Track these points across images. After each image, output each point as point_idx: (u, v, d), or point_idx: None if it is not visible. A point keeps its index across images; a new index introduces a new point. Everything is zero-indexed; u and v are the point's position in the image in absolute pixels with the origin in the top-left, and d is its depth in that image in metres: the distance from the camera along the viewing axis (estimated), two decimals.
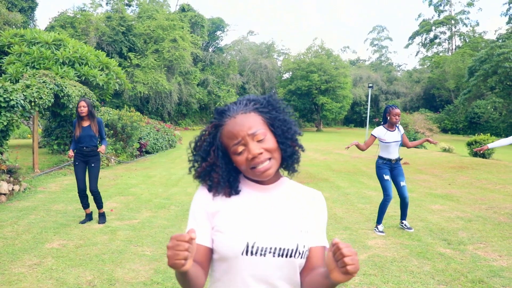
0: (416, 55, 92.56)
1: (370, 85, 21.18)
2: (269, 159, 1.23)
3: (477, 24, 75.82)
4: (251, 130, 1.23)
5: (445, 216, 6.42)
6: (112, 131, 13.52)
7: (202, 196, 1.33)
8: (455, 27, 74.21)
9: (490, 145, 6.01)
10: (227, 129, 1.26)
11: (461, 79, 48.81)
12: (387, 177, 5.47)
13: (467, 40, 70.13)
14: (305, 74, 47.66)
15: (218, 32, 55.00)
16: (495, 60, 36.74)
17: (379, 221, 5.59)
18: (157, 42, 42.19)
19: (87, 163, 5.76)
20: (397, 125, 5.62)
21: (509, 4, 65.82)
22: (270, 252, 1.22)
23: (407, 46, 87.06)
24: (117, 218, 6.14)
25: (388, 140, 5.49)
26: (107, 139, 13.74)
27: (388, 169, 5.53)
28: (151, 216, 6.33)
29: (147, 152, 16.38)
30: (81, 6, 46.61)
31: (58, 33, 15.91)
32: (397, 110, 5.52)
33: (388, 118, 5.56)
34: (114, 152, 13.40)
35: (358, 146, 5.46)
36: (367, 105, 24.26)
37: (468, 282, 3.82)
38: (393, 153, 5.55)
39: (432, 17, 76.86)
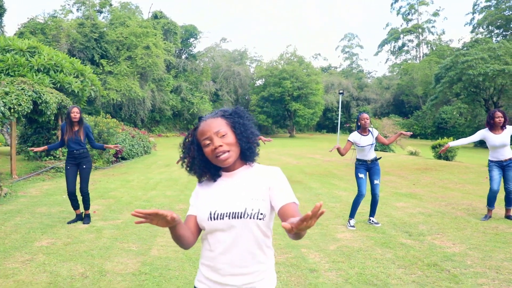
0: (386, 62, 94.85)
1: (341, 91, 21.90)
2: (228, 151, 1.68)
3: (443, 33, 78.58)
4: (215, 129, 1.69)
5: (408, 212, 6.96)
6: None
7: (196, 188, 1.80)
8: (422, 36, 76.62)
9: (451, 143, 6.58)
10: (200, 129, 1.73)
11: (428, 85, 50.43)
12: (361, 175, 5.96)
13: (434, 48, 72.49)
14: (277, 81, 48.37)
15: (191, 39, 55.23)
16: (459, 67, 38.21)
17: (351, 215, 6.06)
18: (130, 49, 42.12)
19: (78, 166, 6.05)
20: (370, 129, 6.11)
21: (472, 14, 68.41)
22: (226, 216, 1.65)
23: (376, 54, 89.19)
24: (100, 219, 6.42)
25: (363, 144, 5.98)
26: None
27: (365, 169, 6.02)
28: (133, 217, 6.64)
29: (123, 158, 16.54)
30: (51, 13, 45.95)
31: (32, 41, 15.92)
32: (365, 115, 6.03)
33: (359, 123, 6.06)
34: (92, 157, 13.53)
35: (339, 150, 5.92)
36: (339, 111, 24.94)
37: (424, 266, 4.31)
38: (368, 155, 6.03)
39: (401, 25, 79.07)
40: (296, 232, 1.37)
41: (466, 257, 4.56)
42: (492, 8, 59.64)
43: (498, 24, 59.47)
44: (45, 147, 6.29)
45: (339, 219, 6.53)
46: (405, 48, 79.01)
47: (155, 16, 49.64)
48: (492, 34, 61.49)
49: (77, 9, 49.63)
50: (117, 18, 45.97)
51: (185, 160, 1.79)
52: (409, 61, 74.96)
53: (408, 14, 76.77)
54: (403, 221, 6.28)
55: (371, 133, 6.03)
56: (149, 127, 45.71)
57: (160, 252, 4.82)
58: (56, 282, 3.90)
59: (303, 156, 18.85)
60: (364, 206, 6.89)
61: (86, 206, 6.18)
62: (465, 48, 47.54)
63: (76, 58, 31.32)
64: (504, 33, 60.61)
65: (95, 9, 49.87)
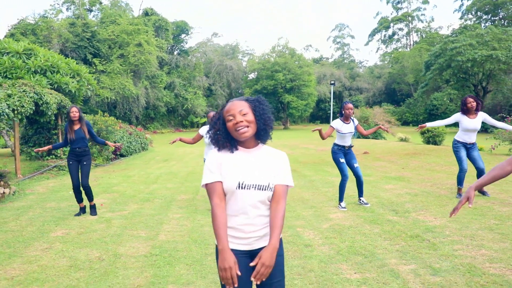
0: (377, 51, 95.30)
1: (332, 82, 22.35)
2: (247, 126, 2.07)
3: (432, 20, 78.90)
4: (239, 109, 2.09)
5: (395, 193, 7.44)
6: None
7: (214, 155, 2.15)
8: (411, 24, 77.06)
9: (428, 124, 7.06)
10: (226, 108, 2.13)
11: (419, 73, 50.86)
12: (342, 160, 6.42)
13: (424, 36, 72.98)
14: (270, 73, 48.66)
15: (183, 35, 55.39)
16: (448, 54, 38.65)
17: (341, 198, 6.53)
18: (122, 47, 42.28)
19: (79, 162, 6.46)
20: (352, 118, 6.56)
21: (461, 0, 68.87)
22: (253, 187, 2.06)
23: (367, 44, 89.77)
24: (108, 211, 6.84)
25: (344, 131, 6.42)
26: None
27: (342, 153, 6.48)
28: (139, 208, 7.06)
29: (122, 155, 16.91)
30: (42, 13, 45.93)
31: (28, 43, 16.21)
32: (350, 105, 6.47)
33: (343, 112, 6.50)
34: (92, 155, 13.91)
35: (320, 132, 6.36)
36: (331, 101, 25.38)
37: (407, 237, 4.78)
38: (347, 141, 6.49)
39: (391, 14, 79.35)
40: None
41: (445, 229, 5.03)
42: None
43: (486, 9, 59.95)
44: (50, 146, 6.68)
45: (331, 201, 6.99)
46: (396, 36, 79.46)
47: (146, 13, 49.72)
48: (481, 20, 62.03)
49: (67, 8, 49.63)
50: (108, 17, 45.99)
51: (210, 132, 2.18)
52: (400, 50, 75.39)
53: (398, 2, 77.12)
54: (391, 201, 6.75)
55: (353, 122, 6.47)
56: (144, 124, 45.93)
57: (167, 237, 5.25)
58: (76, 265, 4.33)
59: (297, 146, 19.31)
60: (355, 189, 7.34)
61: (90, 198, 6.60)
62: (454, 34, 48.02)
63: (69, 58, 31.66)
64: (492, 18, 61.16)
65: (85, 7, 49.90)
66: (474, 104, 6.61)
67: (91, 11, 51.54)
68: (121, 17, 45.46)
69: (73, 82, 15.31)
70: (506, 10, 57.17)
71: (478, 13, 61.75)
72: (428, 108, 51.32)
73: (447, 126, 11.76)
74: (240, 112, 2.08)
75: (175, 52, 54.59)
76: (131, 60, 40.77)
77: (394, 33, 79.69)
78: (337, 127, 6.46)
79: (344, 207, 6.43)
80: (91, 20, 46.57)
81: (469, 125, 6.67)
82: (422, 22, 76.82)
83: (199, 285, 3.72)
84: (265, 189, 2.07)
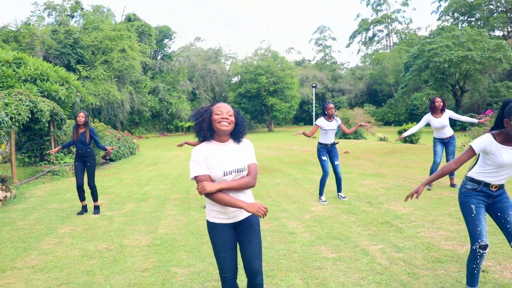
0: (358, 53, 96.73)
1: (314, 85, 23.14)
2: (229, 123, 2.68)
3: (411, 22, 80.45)
4: (227, 110, 2.70)
5: (371, 187, 8.15)
6: (72, 136, 14.48)
7: (199, 150, 2.73)
8: (391, 25, 78.62)
9: (404, 134, 7.82)
10: (217, 105, 2.73)
11: (399, 74, 52.03)
12: (324, 157, 7.10)
13: (403, 37, 74.54)
14: (253, 77, 49.30)
15: (166, 40, 55.75)
16: (426, 55, 39.80)
17: (321, 193, 7.20)
18: (105, 53, 42.50)
19: (84, 163, 7.03)
20: (335, 117, 7.24)
21: (438, 2, 70.48)
22: (234, 171, 2.68)
23: (348, 45, 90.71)
24: (107, 210, 7.40)
25: (327, 128, 7.10)
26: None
27: (326, 151, 7.16)
28: (136, 207, 7.63)
29: (111, 160, 17.37)
30: (24, 20, 45.84)
31: (17, 52, 16.58)
32: (331, 105, 7.15)
33: (326, 112, 7.17)
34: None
35: (305, 134, 7.03)
36: (313, 104, 26.14)
37: (378, 224, 5.46)
38: (329, 139, 7.17)
39: (371, 16, 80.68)
40: None
41: (411, 216, 5.74)
42: None
43: (463, 11, 61.61)
44: (59, 147, 7.28)
45: (313, 197, 7.66)
46: (376, 38, 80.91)
47: (129, 19, 49.94)
48: (458, 21, 63.71)
49: (48, 15, 49.64)
50: (91, 23, 46.13)
51: (197, 120, 2.76)
52: (380, 51, 76.80)
53: (378, 5, 78.57)
54: (367, 194, 7.45)
55: (336, 120, 7.15)
56: (129, 129, 46.13)
57: (166, 230, 5.85)
58: (88, 255, 4.89)
59: (282, 148, 19.99)
60: (335, 185, 8.00)
61: (95, 198, 7.16)
62: (432, 36, 49.36)
63: (52, 64, 31.83)
64: (468, 19, 62.88)
65: (66, 13, 49.95)
66: (441, 103, 7.38)
67: (72, 17, 51.57)
68: (103, 23, 45.66)
69: (62, 90, 15.75)
70: (481, 12, 58.80)
71: (455, 14, 63.39)
72: (409, 108, 52.50)
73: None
74: (227, 113, 2.69)
75: (159, 57, 54.93)
76: (115, 65, 41.01)
77: (374, 35, 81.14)
78: (320, 125, 7.12)
79: (325, 201, 7.10)
80: (74, 26, 46.68)
81: (437, 124, 7.42)
82: (401, 23, 78.44)
83: (199, 266, 4.33)
84: (242, 171, 2.71)
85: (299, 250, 4.64)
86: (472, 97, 45.04)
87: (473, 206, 3.09)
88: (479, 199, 3.10)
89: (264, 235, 5.25)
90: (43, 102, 12.19)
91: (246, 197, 2.75)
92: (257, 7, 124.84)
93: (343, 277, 3.84)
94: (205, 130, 2.70)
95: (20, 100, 10.45)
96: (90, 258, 4.76)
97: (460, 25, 61.46)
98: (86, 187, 7.18)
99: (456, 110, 40.28)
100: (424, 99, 49.11)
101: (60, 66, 34.34)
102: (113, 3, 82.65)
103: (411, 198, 3.05)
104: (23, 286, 4.02)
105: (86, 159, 7.04)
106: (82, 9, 51.42)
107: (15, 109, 9.85)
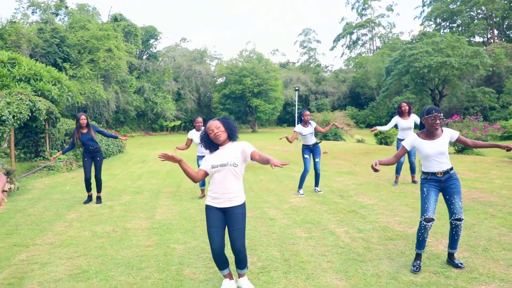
0: (341, 56, 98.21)
1: (296, 88, 24.12)
2: (220, 134, 3.58)
3: (394, 26, 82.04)
4: (214, 125, 3.61)
5: (344, 183, 9.10)
6: (71, 139, 15.15)
7: (206, 157, 3.66)
8: (374, 30, 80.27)
9: (377, 127, 8.82)
10: (207, 127, 3.66)
11: (381, 78, 53.41)
12: (307, 156, 8.06)
13: (386, 41, 76.23)
14: (238, 78, 50.06)
15: (152, 40, 56.21)
16: (407, 60, 41.10)
17: (300, 186, 8.12)
18: (91, 52, 42.85)
19: (93, 158, 7.83)
20: (310, 122, 8.17)
21: (422, 7, 72.23)
22: (222, 166, 3.56)
23: (332, 49, 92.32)
24: (107, 200, 8.19)
25: (305, 133, 8.03)
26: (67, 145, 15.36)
27: (309, 151, 8.10)
28: (132, 198, 8.44)
29: None
30: (9, 18, 45.88)
31: (11, 52, 17.14)
32: (306, 112, 8.08)
33: (302, 118, 8.10)
34: (75, 157, 15.07)
35: (287, 138, 7.95)
36: (296, 106, 27.14)
37: (346, 212, 6.40)
38: (310, 141, 8.11)
39: (356, 20, 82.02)
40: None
41: (375, 206, 6.69)
42: (439, 2, 63.56)
43: (445, 17, 63.45)
44: (60, 152, 8.01)
45: (292, 191, 8.57)
46: (360, 42, 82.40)
47: (115, 19, 50.25)
48: (440, 26, 65.54)
49: (32, 12, 49.74)
50: (77, 22, 46.37)
51: (203, 143, 3.70)
52: (363, 55, 78.27)
53: (363, 9, 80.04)
54: (339, 189, 8.40)
55: (311, 125, 8.08)
56: (114, 128, 46.47)
57: (162, 217, 6.68)
58: (97, 235, 5.71)
59: (265, 148, 20.89)
60: (313, 181, 8.91)
61: (99, 189, 7.98)
62: (414, 40, 50.88)
63: (38, 62, 32.18)
64: (450, 25, 64.77)
65: (51, 11, 50.08)
66: (407, 107, 8.40)
67: (57, 15, 51.70)
68: (90, 23, 46.00)
69: (55, 89, 16.39)
70: (462, 18, 60.60)
71: (437, 20, 65.17)
72: (390, 111, 53.88)
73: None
74: (216, 127, 3.61)
75: (144, 57, 55.38)
76: (101, 65, 41.39)
77: (358, 39, 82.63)
78: (299, 131, 8.06)
79: (302, 194, 8.02)
80: (59, 24, 46.89)
81: (404, 125, 8.42)
82: (384, 28, 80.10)
83: (193, 243, 5.18)
84: (225, 165, 3.56)
85: (277, 232, 5.54)
86: (450, 102, 46.56)
87: (425, 189, 4.02)
88: (431, 184, 4.01)
89: (248, 220, 6.12)
90: (40, 101, 12.87)
91: (236, 188, 3.63)
92: (243, 8, 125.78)
93: (312, 250, 4.75)
94: (211, 146, 3.71)
95: (20, 99, 11.14)
96: (100, 238, 5.58)
97: (442, 31, 63.23)
98: (91, 180, 7.97)
99: None
100: None
101: (46, 65, 34.70)
102: (98, 3, 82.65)
103: (376, 169, 3.96)
104: (47, 257, 4.83)
105: (96, 154, 7.88)
106: (66, 7, 51.59)
107: (16, 108, 10.55)
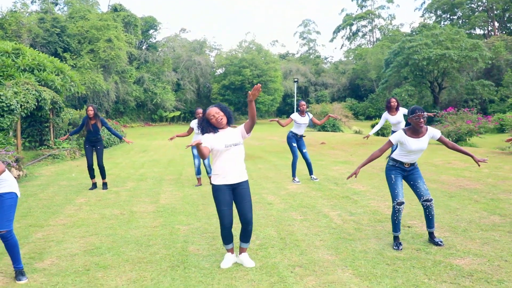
0: (341, 48, 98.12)
1: (295, 80, 24.49)
2: (222, 118, 3.96)
3: (394, 18, 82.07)
4: (214, 111, 3.98)
5: (340, 172, 9.50)
6: (75, 129, 15.53)
7: (206, 136, 3.99)
8: (374, 21, 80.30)
9: (370, 133, 9.26)
10: (207, 113, 4.02)
11: (380, 69, 53.60)
12: (294, 144, 8.47)
13: (385, 33, 76.30)
14: (237, 69, 50.29)
15: (151, 31, 56.34)
16: (406, 52, 41.29)
17: (293, 174, 8.53)
18: (91, 42, 43.02)
19: (94, 147, 8.20)
20: (307, 112, 8.54)
21: None
22: (232, 145, 3.95)
23: (332, 40, 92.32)
24: (113, 187, 8.59)
25: (300, 122, 8.41)
26: (73, 136, 15.75)
27: (295, 140, 8.47)
28: (136, 185, 8.83)
29: (103, 146, 18.38)
30: (10, 8, 45.98)
31: (15, 43, 17.45)
32: (302, 102, 8.47)
33: (299, 108, 8.48)
34: (78, 146, 15.44)
35: (279, 122, 8.31)
36: (294, 98, 27.49)
37: (340, 198, 6.79)
38: (301, 131, 8.49)
39: (356, 11, 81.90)
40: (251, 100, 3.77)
41: (367, 192, 7.10)
42: None
43: (445, 8, 63.51)
44: (67, 135, 8.43)
45: (290, 179, 8.96)
46: (360, 33, 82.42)
47: (115, 9, 50.31)
48: (440, 18, 65.62)
49: (31, 1, 49.84)
50: (77, 12, 46.46)
51: (201, 127, 4.04)
52: (363, 46, 78.34)
53: (363, 0, 79.95)
54: (335, 177, 8.80)
55: (307, 115, 8.46)
56: (114, 119, 46.71)
57: (166, 201, 7.08)
58: (106, 217, 6.10)
59: (264, 138, 21.29)
60: (307, 170, 9.29)
61: (103, 176, 8.37)
62: (414, 33, 51.02)
63: (42, 53, 32.40)
64: (451, 17, 64.84)
65: (50, 0, 50.12)
66: (396, 103, 8.78)
67: (56, 4, 51.76)
68: (90, 13, 46.09)
69: (58, 80, 16.72)
70: (463, 10, 60.66)
71: (438, 12, 65.21)
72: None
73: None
74: (217, 113, 3.97)
75: (144, 47, 55.50)
76: (101, 55, 41.54)
77: (358, 30, 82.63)
78: (294, 118, 8.44)
79: (298, 181, 8.41)
80: (59, 14, 46.98)
81: (393, 120, 8.81)
82: (384, 19, 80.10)
83: (196, 225, 5.58)
84: (238, 144, 3.96)
85: (275, 214, 5.94)
86: (450, 94, 46.80)
87: (392, 176, 4.42)
88: (397, 171, 4.42)
89: None
90: (45, 91, 13.21)
91: (242, 166, 4.01)
92: None
93: (306, 230, 5.15)
94: (210, 129, 4.00)
95: (27, 89, 11.49)
96: (109, 219, 5.97)
97: (442, 23, 63.25)
98: (94, 167, 8.35)
99: (434, 106, 42.01)
100: (403, 95, 50.89)
101: (47, 54, 34.94)
102: None
103: (354, 177, 4.37)
104: (61, 236, 5.22)
105: (96, 144, 8.25)
106: None
107: (23, 97, 10.90)
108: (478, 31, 61.14)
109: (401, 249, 4.33)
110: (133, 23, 50.08)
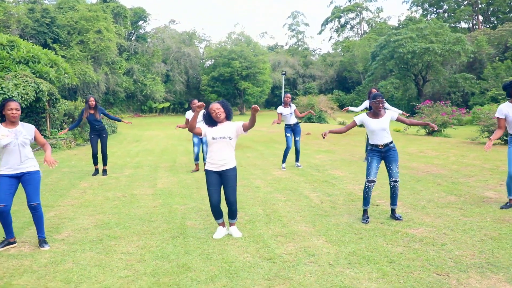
0: (329, 40, 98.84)
1: (283, 72, 25.16)
2: (221, 113, 4.67)
3: (381, 11, 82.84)
4: (216, 107, 4.68)
5: (322, 160, 10.28)
6: (70, 119, 16.10)
7: (206, 127, 4.71)
8: (361, 14, 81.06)
9: (349, 108, 9.96)
10: (209, 108, 4.72)
11: (367, 62, 54.48)
12: (288, 134, 9.21)
13: (373, 26, 77.15)
14: (227, 61, 50.79)
15: (141, 22, 56.49)
16: (391, 46, 42.08)
17: (283, 161, 9.29)
18: (81, 33, 43.19)
19: (99, 136, 8.86)
20: (290, 104, 9.27)
21: None
22: (220, 138, 4.66)
23: (320, 32, 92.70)
24: (112, 173, 9.26)
25: (285, 113, 9.14)
26: (68, 126, 16.31)
27: (290, 130, 9.23)
28: (134, 171, 9.51)
29: None
30: None
31: (9, 35, 17.86)
32: (287, 95, 9.20)
33: (283, 100, 9.21)
34: (73, 136, 16.02)
35: (276, 122, 9.04)
36: (282, 90, 28.21)
37: (320, 182, 7.57)
38: (291, 121, 9.23)
39: (345, 3, 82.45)
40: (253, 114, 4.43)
41: (344, 177, 7.89)
42: None
43: (432, 2, 64.44)
44: (67, 129, 9.03)
45: (275, 166, 9.72)
46: (348, 26, 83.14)
47: (104, 0, 50.42)
48: (427, 11, 66.56)
49: None
50: (65, 2, 46.46)
51: (204, 120, 4.74)
52: (351, 39, 79.13)
53: None
54: (317, 164, 9.57)
55: (291, 106, 9.20)
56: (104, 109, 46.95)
57: (163, 186, 7.78)
58: (109, 199, 6.79)
59: (253, 129, 21.97)
60: (293, 158, 10.05)
61: (105, 163, 9.05)
62: (401, 26, 51.90)
63: (29, 42, 32.60)
64: (437, 10, 65.85)
65: None
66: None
67: None
68: (79, 3, 46.14)
69: (52, 72, 17.21)
70: (449, 3, 61.66)
71: (424, 5, 66.10)
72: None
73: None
74: (217, 109, 4.66)
75: (133, 38, 55.67)
76: (91, 46, 41.74)
77: (346, 23, 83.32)
78: (280, 111, 9.19)
79: (284, 168, 9.17)
80: (48, 5, 46.94)
81: None
82: (371, 12, 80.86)
83: (192, 205, 6.30)
84: (223, 138, 4.65)
85: (261, 196, 6.69)
86: (433, 87, 47.77)
87: (369, 158, 5.18)
88: (374, 154, 5.17)
89: (237, 188, 7.23)
90: (42, 83, 13.76)
91: (229, 156, 4.71)
92: None
93: (289, 208, 5.90)
94: (210, 122, 4.70)
95: (26, 81, 12.05)
96: (112, 201, 6.67)
97: (429, 16, 64.18)
98: (98, 155, 9.03)
99: (418, 98, 42.93)
100: (388, 87, 51.85)
101: (36, 45, 35.03)
102: None
103: (324, 137, 5.16)
104: (72, 214, 5.91)
105: (101, 132, 8.91)
106: None
107: (23, 89, 11.47)
108: (463, 25, 62.22)
109: (368, 223, 5.10)
110: (122, 14, 50.22)
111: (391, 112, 5.22)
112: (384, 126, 5.09)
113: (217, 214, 4.82)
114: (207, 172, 4.76)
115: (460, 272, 3.58)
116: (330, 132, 5.31)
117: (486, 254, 3.94)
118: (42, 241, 4.60)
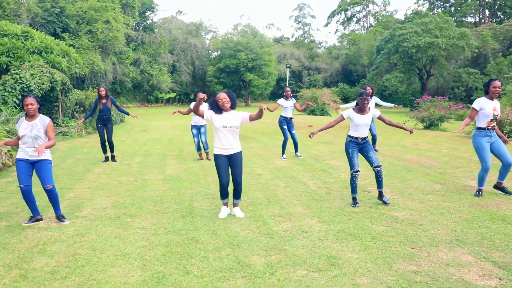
0: (335, 33, 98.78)
1: (288, 65, 25.67)
2: (227, 103, 5.21)
3: (388, 4, 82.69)
4: (223, 96, 5.23)
5: (322, 151, 10.84)
6: (81, 108, 16.71)
7: (211, 113, 5.25)
8: (368, 7, 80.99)
9: (341, 106, 10.49)
10: (217, 97, 5.26)
11: (373, 55, 54.72)
12: (284, 126, 9.72)
13: (379, 19, 77.13)
14: (233, 53, 51.18)
15: (148, 12, 56.93)
16: (396, 40, 42.35)
17: (283, 152, 9.83)
18: (90, 23, 43.73)
19: (105, 125, 9.44)
20: (291, 97, 9.81)
21: None
22: (228, 127, 5.22)
23: (326, 25, 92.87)
24: (123, 160, 9.86)
25: (286, 105, 9.69)
26: (79, 115, 16.92)
27: (285, 122, 9.75)
28: (144, 159, 10.10)
29: None
30: None
31: (24, 26, 18.45)
32: (287, 88, 9.74)
33: (284, 93, 9.74)
34: (84, 125, 16.63)
35: (268, 109, 9.54)
36: (289, 81, 28.71)
37: (318, 171, 8.13)
38: (288, 114, 9.75)
39: None
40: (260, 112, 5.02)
41: (341, 167, 8.45)
42: None
43: None
44: (83, 119, 9.64)
45: (278, 156, 10.29)
46: (354, 19, 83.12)
47: None
48: (434, 5, 66.51)
49: None
50: None
51: (211, 107, 5.29)
52: (357, 32, 79.17)
53: None
54: (316, 155, 10.13)
55: (292, 99, 9.73)
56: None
57: (172, 172, 8.37)
58: (122, 183, 7.38)
59: (257, 121, 22.55)
60: (293, 149, 10.60)
61: (112, 150, 9.64)
62: (407, 20, 52.07)
63: (38, 32, 33.17)
64: (444, 4, 65.79)
65: None
66: (371, 91, 10.05)
67: None
68: None
69: (64, 62, 17.81)
70: None
71: None
72: (380, 89, 55.35)
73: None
74: (224, 98, 5.20)
75: (140, 29, 56.13)
76: (99, 36, 42.30)
77: (352, 15, 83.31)
78: (281, 103, 9.72)
79: (285, 158, 9.73)
80: None
81: (371, 104, 10.10)
82: (377, 6, 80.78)
83: (199, 189, 6.88)
84: (232, 127, 5.20)
85: (263, 182, 7.26)
86: (437, 81, 48.06)
87: (350, 150, 5.73)
88: (353, 145, 5.73)
89: None
90: (56, 73, 14.35)
91: (236, 142, 5.27)
92: None
93: (288, 193, 6.48)
94: (216, 109, 5.22)
95: (42, 71, 12.64)
96: (126, 185, 7.26)
97: (435, 10, 64.16)
98: (105, 143, 9.63)
99: (421, 93, 43.21)
100: (393, 81, 52.19)
101: (46, 34, 35.56)
102: None
103: (311, 137, 5.70)
104: (90, 195, 6.51)
105: (107, 122, 9.49)
106: None
107: (39, 79, 12.06)
108: (469, 19, 62.16)
109: (358, 207, 5.66)
110: (130, 5, 50.66)
111: (374, 110, 5.79)
112: (367, 122, 5.65)
113: (225, 194, 5.39)
114: (217, 156, 5.29)
115: (431, 246, 4.15)
116: (320, 130, 5.85)
117: (457, 233, 4.51)
118: (60, 216, 5.20)
